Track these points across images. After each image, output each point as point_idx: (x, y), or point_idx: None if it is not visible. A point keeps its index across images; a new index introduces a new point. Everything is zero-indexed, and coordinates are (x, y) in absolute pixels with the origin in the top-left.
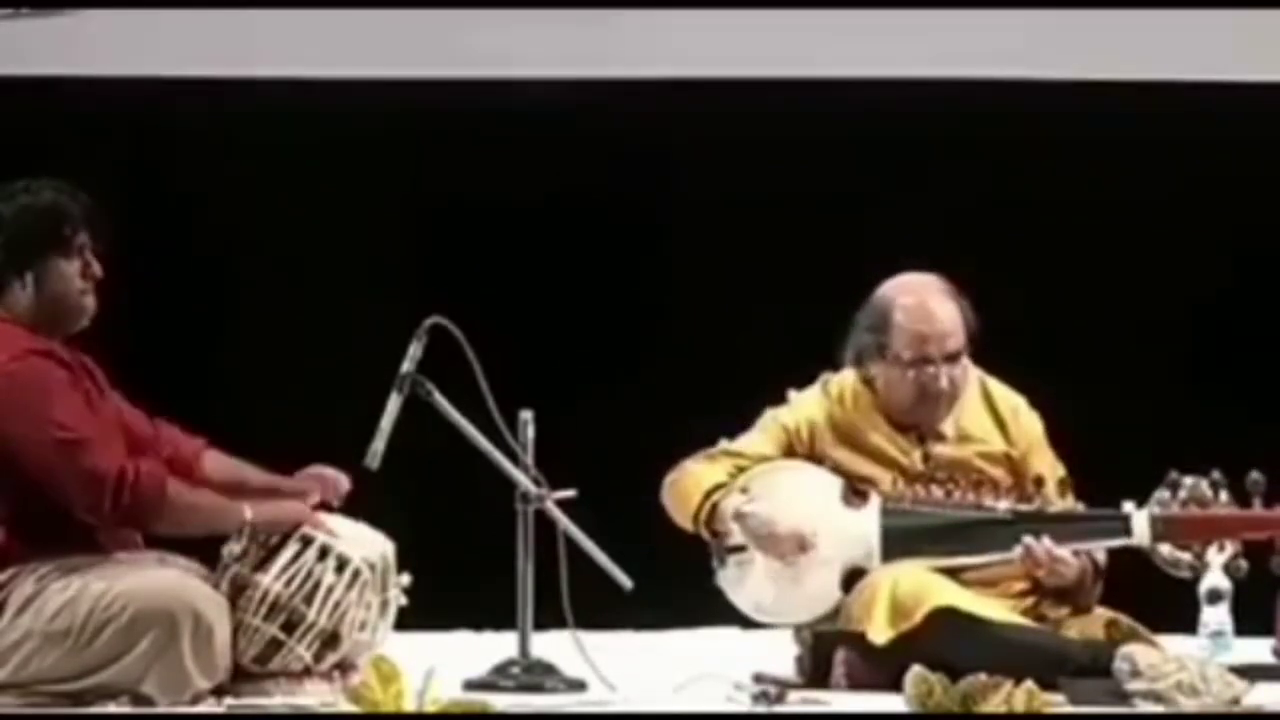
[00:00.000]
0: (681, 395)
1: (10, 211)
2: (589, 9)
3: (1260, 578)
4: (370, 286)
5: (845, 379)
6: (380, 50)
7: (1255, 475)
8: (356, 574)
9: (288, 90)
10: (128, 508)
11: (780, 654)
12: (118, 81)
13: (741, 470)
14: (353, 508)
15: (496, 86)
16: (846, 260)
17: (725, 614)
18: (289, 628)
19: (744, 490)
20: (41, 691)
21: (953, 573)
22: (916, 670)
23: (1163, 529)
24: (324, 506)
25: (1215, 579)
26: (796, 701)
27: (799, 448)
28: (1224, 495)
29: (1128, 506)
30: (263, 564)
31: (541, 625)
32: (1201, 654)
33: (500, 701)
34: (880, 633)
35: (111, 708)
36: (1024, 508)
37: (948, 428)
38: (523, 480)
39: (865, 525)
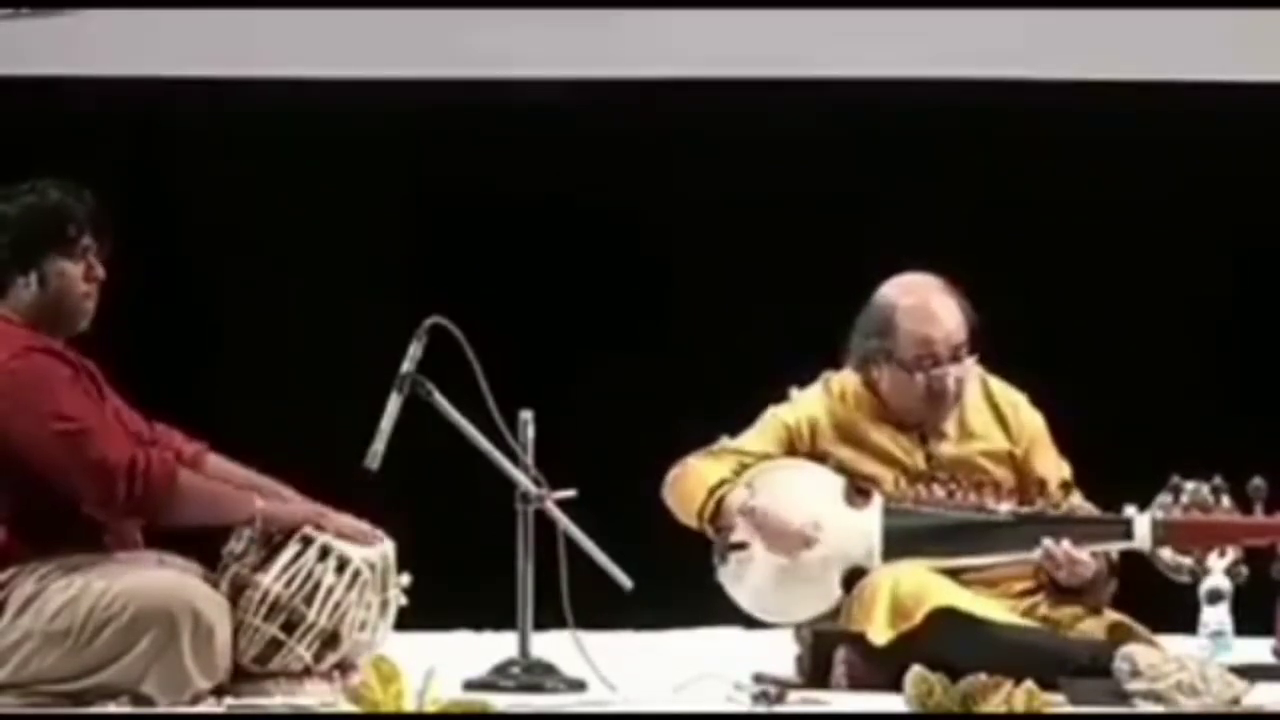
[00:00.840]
0: (681, 395)
1: (16, 211)
2: (589, 9)
3: (1260, 578)
4: (370, 286)
5: (847, 378)
6: (380, 50)
7: (1257, 481)
8: (357, 574)
9: (288, 90)
10: (140, 497)
11: (780, 654)
12: (118, 81)
13: (744, 467)
14: (353, 508)
15: (496, 86)
16: (846, 260)
17: (725, 614)
18: (289, 628)
19: (749, 486)
20: (42, 691)
21: (953, 573)
22: (916, 670)
23: (1164, 533)
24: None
25: (1216, 579)
26: (796, 701)
27: (800, 446)
28: (1225, 501)
29: (1129, 510)
30: (263, 564)
31: (541, 625)
32: (1201, 654)
33: (500, 701)
34: (880, 633)
35: (112, 708)
36: (1025, 510)
37: (950, 426)
38: (523, 480)
39: (866, 525)
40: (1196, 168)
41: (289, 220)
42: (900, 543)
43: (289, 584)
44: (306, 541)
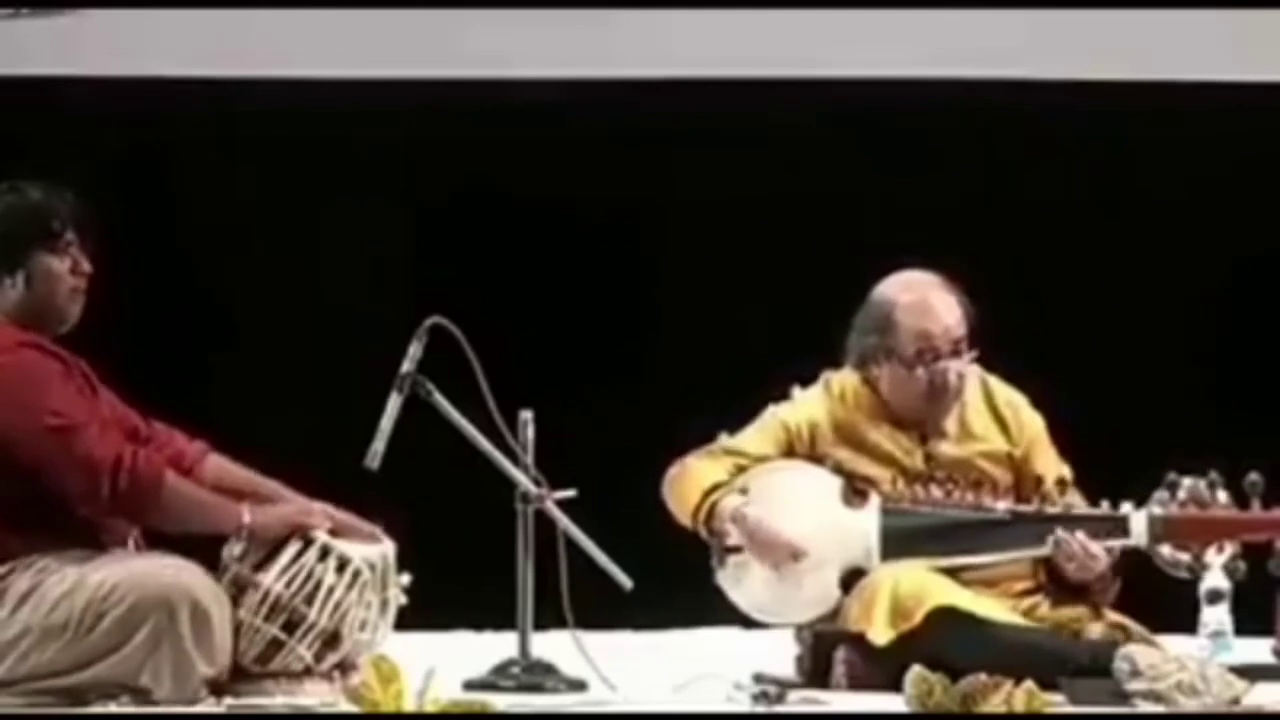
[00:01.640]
0: (681, 395)
1: None
2: (589, 9)
3: (1260, 578)
4: (370, 286)
5: (847, 377)
6: (379, 50)
7: (1254, 476)
8: (357, 574)
9: (288, 90)
10: (126, 493)
11: (780, 654)
12: (118, 81)
13: (741, 469)
14: (353, 508)
15: (495, 86)
16: (846, 260)
17: (725, 614)
18: (289, 628)
19: (743, 491)
20: (41, 688)
21: (952, 573)
22: (916, 670)
23: (1161, 530)
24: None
25: (1215, 579)
26: (796, 701)
27: (799, 447)
28: (1222, 496)
29: (1126, 507)
30: (263, 564)
31: (541, 625)
32: (1201, 654)
33: (500, 701)
34: (880, 633)
35: (112, 707)
36: (1022, 508)
37: (950, 426)
38: (523, 480)
39: (864, 525)
40: (1196, 168)
41: (288, 220)
42: (898, 542)
43: (289, 584)
44: (307, 541)
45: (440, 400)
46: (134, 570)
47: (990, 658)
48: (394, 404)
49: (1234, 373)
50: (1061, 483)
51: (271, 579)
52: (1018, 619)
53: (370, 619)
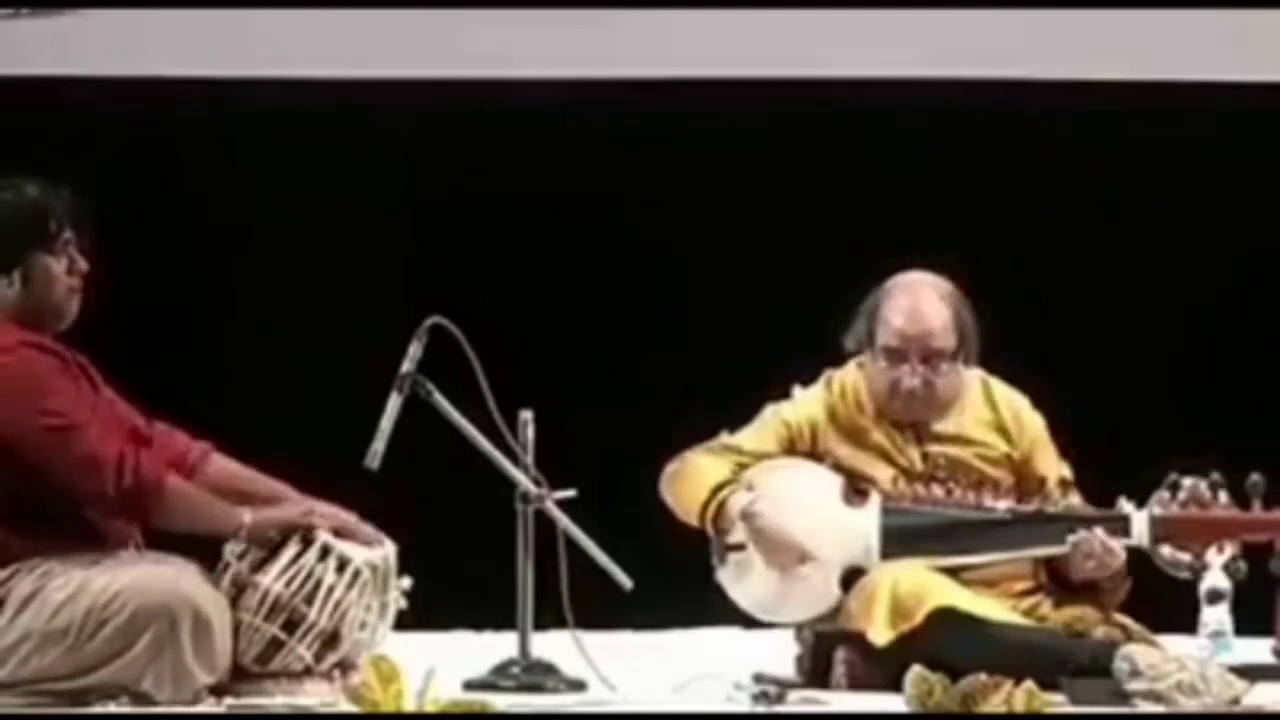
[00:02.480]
0: (681, 395)
1: None
2: (589, 9)
3: (1260, 578)
4: (370, 286)
5: (847, 375)
6: (379, 50)
7: (1255, 477)
8: (357, 574)
9: (288, 90)
10: (128, 493)
11: (780, 654)
12: (118, 81)
13: (743, 467)
14: (353, 508)
15: (495, 86)
16: (846, 260)
17: (725, 614)
18: (289, 628)
19: (750, 488)
20: (42, 691)
21: (952, 572)
22: (916, 670)
23: (1162, 530)
24: None
25: (1215, 579)
26: (796, 701)
27: (800, 446)
28: (1223, 496)
29: (1127, 507)
30: (263, 564)
31: (541, 625)
32: (1201, 654)
33: (500, 701)
34: (880, 633)
35: (112, 708)
36: (1023, 508)
37: (947, 428)
38: (523, 480)
39: (865, 524)
40: (1196, 168)
41: (288, 220)
42: (898, 541)
43: (289, 584)
44: (307, 541)
45: (440, 400)
46: (136, 576)
47: (990, 658)
48: (394, 404)
49: (1234, 373)
50: (1064, 483)
51: (271, 579)
52: (1018, 619)
53: (370, 619)
